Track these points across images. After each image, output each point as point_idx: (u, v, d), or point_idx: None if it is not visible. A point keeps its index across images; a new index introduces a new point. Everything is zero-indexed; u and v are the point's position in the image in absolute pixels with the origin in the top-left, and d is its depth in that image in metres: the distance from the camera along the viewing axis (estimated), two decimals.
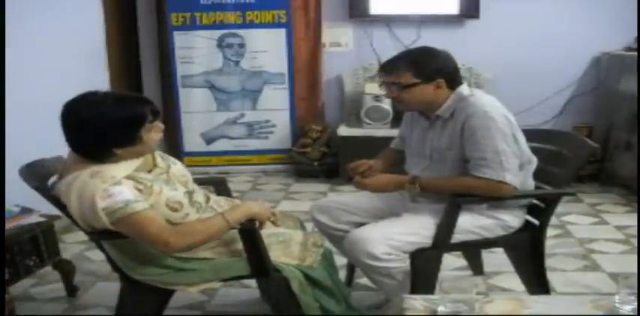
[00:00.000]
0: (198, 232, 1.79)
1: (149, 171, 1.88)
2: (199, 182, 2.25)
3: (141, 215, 1.70)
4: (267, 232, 2.01)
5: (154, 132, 1.82)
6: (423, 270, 2.12)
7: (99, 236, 1.86)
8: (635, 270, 2.71)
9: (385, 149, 2.51)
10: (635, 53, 3.99)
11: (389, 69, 2.14)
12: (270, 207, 2.07)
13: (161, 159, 1.99)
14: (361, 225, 2.23)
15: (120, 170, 1.76)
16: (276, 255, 1.95)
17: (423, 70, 2.09)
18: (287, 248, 2.00)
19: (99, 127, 1.72)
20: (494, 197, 2.08)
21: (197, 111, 4.81)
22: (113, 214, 1.69)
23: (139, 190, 1.76)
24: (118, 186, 1.71)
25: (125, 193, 1.70)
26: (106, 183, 1.70)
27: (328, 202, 2.48)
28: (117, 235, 1.82)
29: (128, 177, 1.76)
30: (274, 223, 2.05)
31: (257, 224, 1.90)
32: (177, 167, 2.02)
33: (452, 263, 2.86)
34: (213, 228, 1.82)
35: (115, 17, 4.45)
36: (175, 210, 1.83)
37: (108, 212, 1.68)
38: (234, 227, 1.85)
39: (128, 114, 1.75)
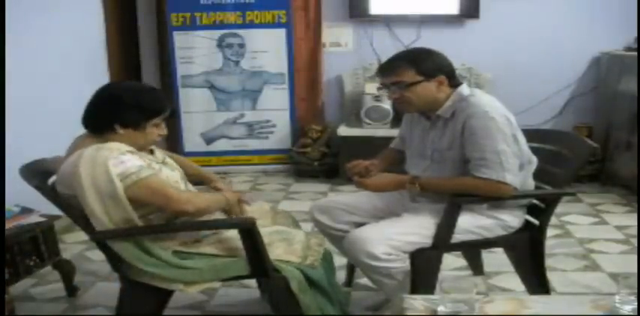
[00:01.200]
0: (207, 198, 1.92)
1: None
2: (199, 182, 2.25)
3: (154, 177, 1.81)
4: (270, 230, 2.02)
5: (157, 130, 1.93)
6: (423, 270, 2.12)
7: (102, 236, 1.86)
8: (635, 270, 2.71)
9: (385, 149, 2.51)
10: (635, 53, 3.99)
11: (389, 69, 2.14)
12: (270, 207, 2.09)
13: (159, 152, 2.07)
14: (361, 225, 2.23)
15: (122, 145, 1.86)
16: (279, 253, 1.95)
17: (424, 67, 2.09)
18: (290, 246, 2.00)
19: (124, 103, 1.87)
20: (494, 197, 2.08)
21: (197, 111, 4.81)
22: (128, 179, 1.76)
23: (147, 164, 1.86)
24: (125, 155, 1.81)
25: (135, 160, 1.82)
26: (114, 152, 1.79)
27: (328, 202, 2.48)
28: (117, 235, 1.84)
29: (132, 152, 1.86)
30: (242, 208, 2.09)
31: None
32: (173, 162, 2.11)
33: (452, 263, 2.86)
34: (216, 198, 1.96)
35: (115, 17, 4.45)
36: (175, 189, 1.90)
37: (123, 177, 1.76)
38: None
39: (153, 102, 1.91)
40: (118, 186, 1.75)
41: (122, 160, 1.78)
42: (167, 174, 1.94)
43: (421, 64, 2.10)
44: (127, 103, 1.86)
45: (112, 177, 1.75)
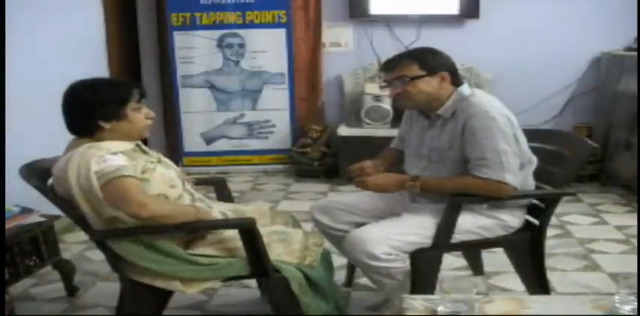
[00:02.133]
0: (172, 207, 1.87)
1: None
2: (199, 182, 2.25)
3: (127, 179, 1.77)
4: (268, 230, 2.01)
5: (141, 114, 1.94)
6: (423, 270, 2.12)
7: (102, 235, 1.86)
8: (635, 270, 2.71)
9: (385, 149, 2.51)
10: (635, 53, 3.99)
11: (392, 65, 2.15)
12: (270, 207, 2.08)
13: (153, 152, 2.06)
14: (361, 225, 2.23)
15: (115, 145, 1.86)
16: (277, 254, 1.95)
17: (428, 62, 2.10)
18: (288, 247, 2.00)
19: (88, 102, 1.87)
20: (495, 197, 2.08)
21: (197, 111, 4.81)
22: (103, 177, 1.76)
23: (134, 165, 1.84)
24: (114, 155, 1.81)
25: (120, 160, 1.80)
26: (103, 151, 1.80)
27: (328, 202, 2.48)
28: (117, 235, 1.84)
29: (124, 153, 1.86)
30: None
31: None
32: (169, 161, 2.11)
33: (452, 263, 2.86)
34: (185, 210, 1.88)
35: (115, 17, 4.45)
36: (172, 187, 1.91)
37: (99, 175, 1.76)
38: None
39: (114, 91, 1.91)
40: (94, 184, 1.76)
41: (105, 159, 1.78)
42: (161, 172, 1.93)
43: (424, 59, 2.11)
44: (93, 100, 1.87)
45: (90, 174, 1.76)
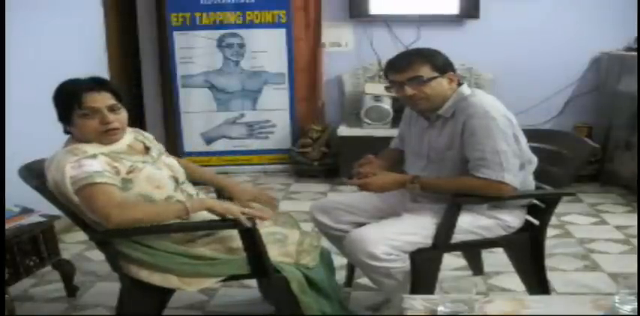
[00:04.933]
0: (145, 210, 1.82)
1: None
2: (199, 182, 2.25)
3: (96, 187, 1.75)
4: (263, 231, 2.01)
5: (92, 120, 1.86)
6: (423, 270, 2.12)
7: (101, 236, 1.86)
8: (635, 270, 2.70)
9: (385, 149, 2.51)
10: (635, 53, 3.99)
11: (403, 65, 2.11)
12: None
13: (156, 150, 2.05)
14: (361, 225, 2.23)
15: (94, 148, 1.85)
16: (273, 254, 1.94)
17: (438, 63, 2.10)
18: (283, 248, 2.00)
19: (55, 102, 1.89)
20: (494, 197, 2.08)
21: (197, 111, 4.81)
22: (76, 183, 1.76)
23: (114, 167, 1.82)
24: (91, 159, 1.79)
25: (95, 166, 1.78)
26: (78, 155, 1.79)
27: (328, 202, 2.48)
28: (117, 235, 1.84)
29: (106, 154, 1.84)
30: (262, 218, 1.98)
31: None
32: (171, 159, 2.10)
33: (452, 263, 2.85)
34: (166, 209, 1.84)
35: (115, 17, 4.45)
36: (157, 188, 1.89)
37: (73, 181, 1.76)
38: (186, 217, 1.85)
39: (62, 94, 1.88)
40: (69, 189, 1.77)
41: (81, 164, 1.77)
42: (150, 173, 1.90)
43: (434, 60, 2.10)
44: (54, 101, 1.90)
45: (65, 179, 1.76)
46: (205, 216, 1.97)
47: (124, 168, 1.85)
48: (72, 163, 1.77)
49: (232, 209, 1.89)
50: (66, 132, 1.94)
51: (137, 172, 1.87)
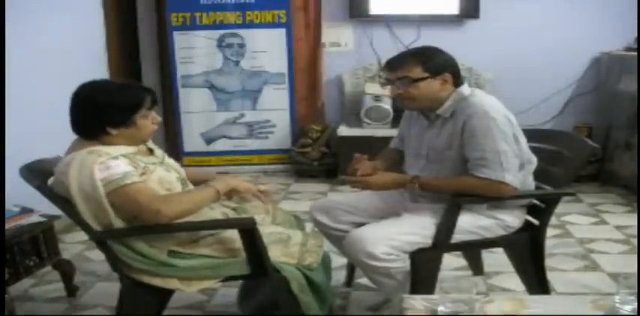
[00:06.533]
0: (187, 200, 1.85)
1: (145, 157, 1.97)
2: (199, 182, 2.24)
3: (135, 186, 1.78)
4: (266, 231, 2.01)
5: (148, 121, 1.93)
6: (423, 270, 2.12)
7: (101, 236, 1.86)
8: (635, 270, 2.71)
9: (384, 149, 2.51)
10: (635, 53, 3.99)
11: (396, 64, 2.13)
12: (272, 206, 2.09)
13: (159, 151, 2.07)
14: (361, 224, 2.23)
15: (114, 149, 1.86)
16: (276, 255, 1.94)
17: (432, 64, 2.09)
18: (286, 248, 1.99)
19: (99, 106, 1.85)
20: (494, 197, 2.08)
21: (197, 111, 4.81)
22: (110, 185, 1.76)
23: (134, 167, 1.85)
24: (115, 160, 1.81)
25: (122, 166, 1.80)
26: (103, 156, 1.79)
27: (328, 202, 2.48)
28: (117, 235, 1.84)
29: (124, 156, 1.86)
30: (260, 199, 2.06)
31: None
32: (173, 162, 2.11)
33: (452, 263, 2.85)
34: (202, 195, 1.88)
35: (115, 17, 4.45)
36: (168, 190, 1.90)
37: (105, 182, 1.76)
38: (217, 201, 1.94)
39: (128, 97, 1.88)
40: (100, 191, 1.76)
41: (109, 166, 1.78)
42: (161, 175, 1.92)
43: (428, 61, 2.10)
44: (104, 105, 1.84)
45: (95, 181, 1.75)
46: (210, 215, 1.97)
47: (139, 170, 1.87)
48: (99, 165, 1.77)
49: (252, 188, 1.99)
50: (91, 136, 1.89)
51: (149, 174, 1.88)
